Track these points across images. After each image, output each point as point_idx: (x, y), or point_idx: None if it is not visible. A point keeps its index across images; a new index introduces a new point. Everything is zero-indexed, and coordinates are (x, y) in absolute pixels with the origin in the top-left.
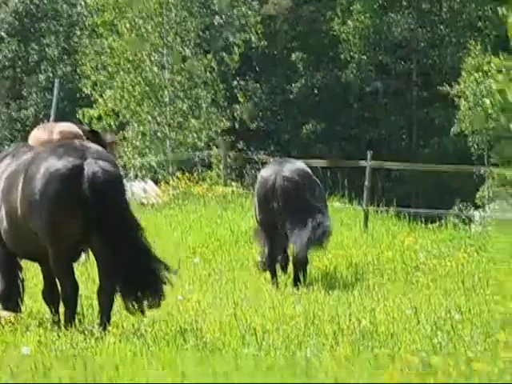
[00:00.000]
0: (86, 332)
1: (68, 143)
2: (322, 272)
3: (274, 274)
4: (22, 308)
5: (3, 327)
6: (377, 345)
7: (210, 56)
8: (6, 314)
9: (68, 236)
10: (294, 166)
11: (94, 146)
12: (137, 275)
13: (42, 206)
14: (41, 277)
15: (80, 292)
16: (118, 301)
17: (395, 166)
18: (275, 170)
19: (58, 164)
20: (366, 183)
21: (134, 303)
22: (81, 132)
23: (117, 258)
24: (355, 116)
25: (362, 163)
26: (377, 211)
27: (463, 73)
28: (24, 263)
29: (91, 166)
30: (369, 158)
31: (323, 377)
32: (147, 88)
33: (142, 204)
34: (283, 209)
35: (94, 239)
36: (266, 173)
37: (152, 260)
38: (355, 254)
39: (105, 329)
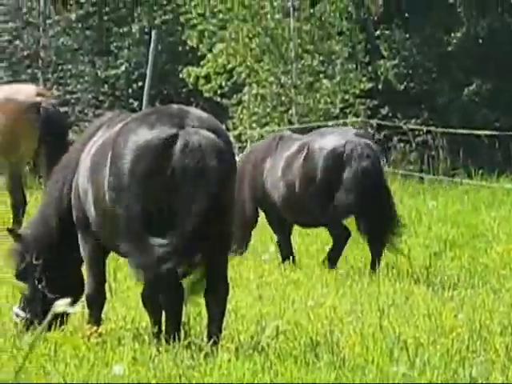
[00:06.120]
0: (193, 347)
1: (162, 108)
2: (490, 270)
3: None
4: (112, 316)
5: (88, 340)
6: None
7: None
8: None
9: None
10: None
11: (195, 112)
12: None
13: (130, 188)
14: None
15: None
16: (232, 306)
17: None
18: (345, 139)
19: (147, 135)
20: None
21: None
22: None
23: None
24: None
25: None
26: None
27: None
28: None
29: (189, 136)
30: None
31: None
32: (268, 40)
33: None
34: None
35: None
36: (332, 143)
37: None
38: None
39: (216, 342)
